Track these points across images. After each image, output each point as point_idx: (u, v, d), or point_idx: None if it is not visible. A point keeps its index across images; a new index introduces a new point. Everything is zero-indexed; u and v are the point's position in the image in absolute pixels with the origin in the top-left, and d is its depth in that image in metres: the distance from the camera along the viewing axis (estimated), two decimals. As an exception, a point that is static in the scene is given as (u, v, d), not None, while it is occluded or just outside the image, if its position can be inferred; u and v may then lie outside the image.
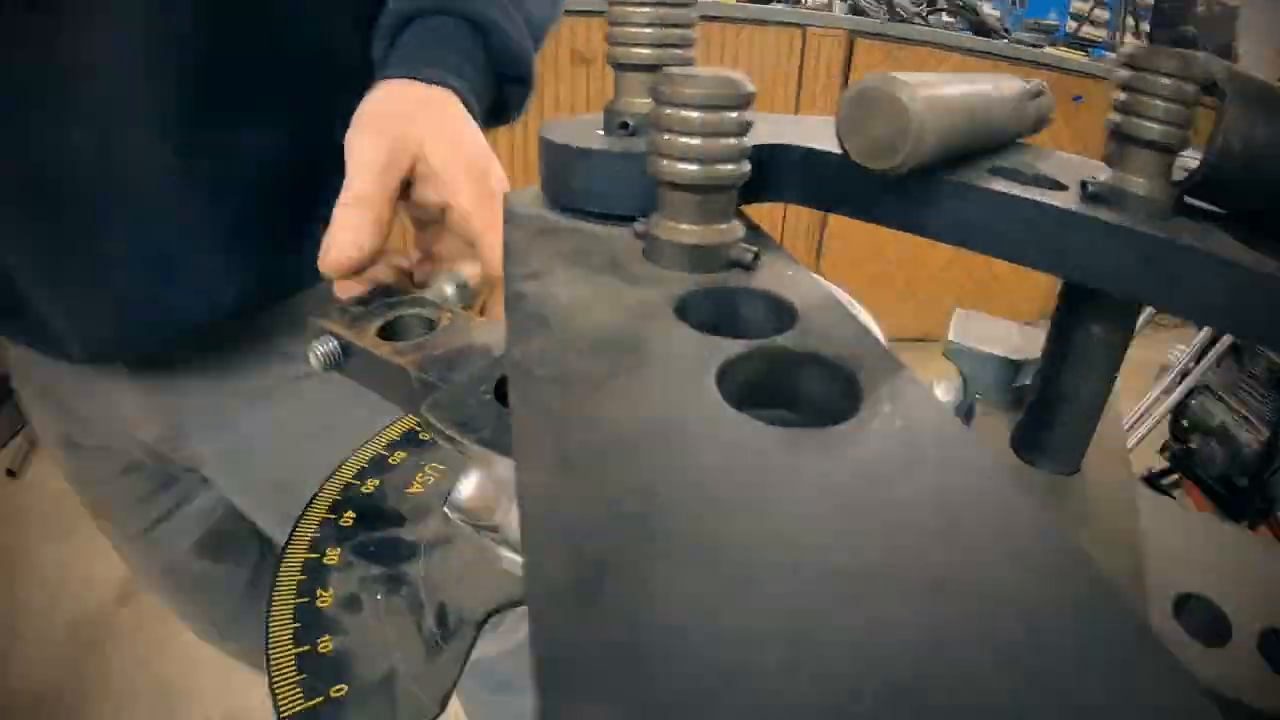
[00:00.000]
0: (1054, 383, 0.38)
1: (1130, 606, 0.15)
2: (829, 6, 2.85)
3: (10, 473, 2.53)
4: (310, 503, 0.51)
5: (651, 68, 0.34)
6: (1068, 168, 0.36)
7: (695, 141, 0.29)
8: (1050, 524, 0.17)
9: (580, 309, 0.27)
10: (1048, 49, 3.04)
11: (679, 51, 0.35)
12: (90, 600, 2.05)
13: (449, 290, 0.53)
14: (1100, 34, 3.43)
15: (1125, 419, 2.10)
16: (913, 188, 0.33)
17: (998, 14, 3.14)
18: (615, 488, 0.18)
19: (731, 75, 0.29)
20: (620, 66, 0.35)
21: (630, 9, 0.34)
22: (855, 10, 2.80)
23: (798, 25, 2.74)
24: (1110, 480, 0.39)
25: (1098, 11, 3.38)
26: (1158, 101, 0.31)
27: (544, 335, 0.25)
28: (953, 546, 0.16)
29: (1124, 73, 0.32)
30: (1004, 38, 2.95)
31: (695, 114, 0.29)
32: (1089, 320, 0.36)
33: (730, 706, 0.13)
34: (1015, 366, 0.43)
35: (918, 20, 2.85)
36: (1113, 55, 3.27)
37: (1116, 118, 0.32)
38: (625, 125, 0.34)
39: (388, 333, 0.46)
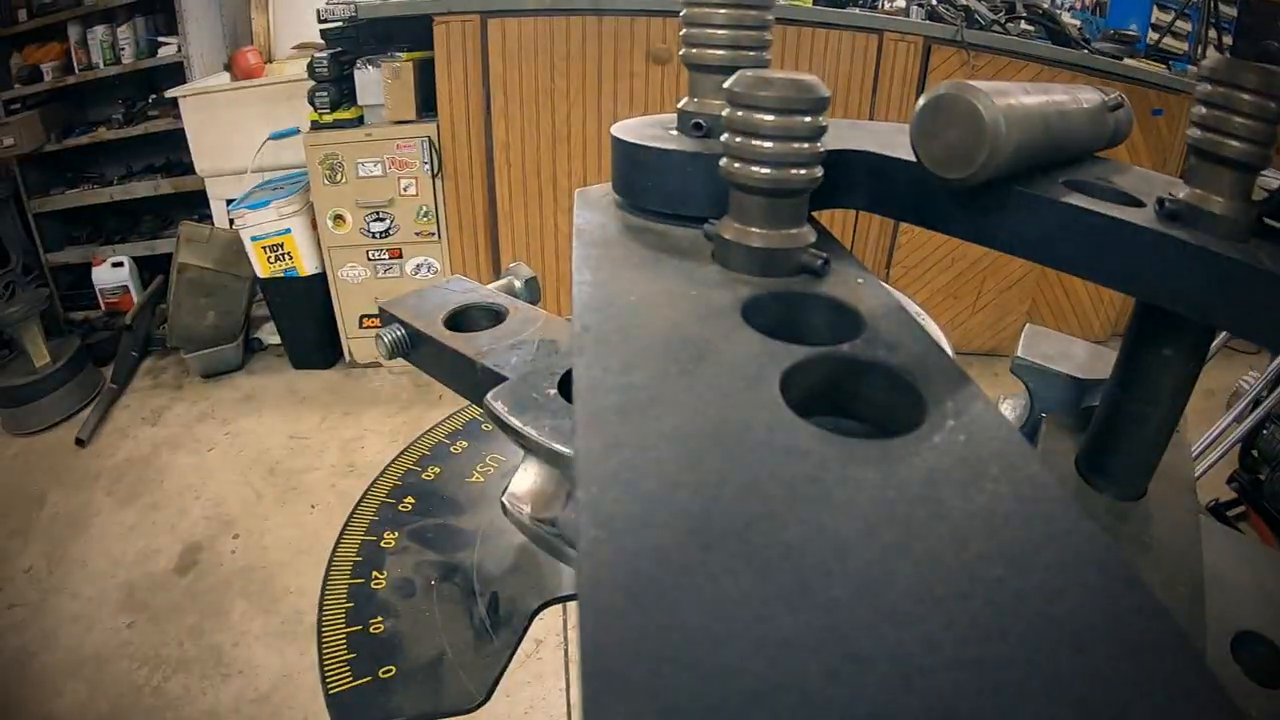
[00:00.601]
0: (1121, 405, 0.37)
1: (1189, 642, 0.15)
2: (906, 12, 2.80)
3: (80, 441, 2.62)
4: (371, 486, 0.52)
5: (726, 69, 0.34)
6: (1146, 183, 0.35)
7: (767, 144, 0.29)
8: (1111, 552, 0.17)
9: (646, 309, 0.27)
10: (1127, 60, 2.96)
11: (754, 53, 0.35)
12: (150, 567, 2.12)
13: (517, 284, 0.53)
14: (1181, 46, 3.32)
15: (1193, 446, 2.04)
16: (984, 199, 0.33)
17: (1078, 24, 3.06)
18: (674, 490, 0.18)
19: (806, 79, 0.29)
20: (694, 67, 0.35)
21: (706, 10, 0.34)
22: (932, 16, 2.76)
23: (874, 30, 2.71)
24: (1175, 508, 0.38)
25: (1179, 23, 3.27)
26: (1239, 118, 0.30)
27: (610, 334, 0.25)
28: (1009, 569, 0.16)
29: (1205, 87, 0.31)
30: (1083, 48, 2.87)
31: (768, 117, 0.28)
32: (1160, 342, 0.35)
33: (772, 713, 0.13)
34: (1083, 386, 0.42)
35: (996, 28, 2.79)
36: (1194, 68, 3.16)
37: (1195, 133, 0.31)
38: (699, 126, 0.34)
39: (456, 323, 0.47)
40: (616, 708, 0.13)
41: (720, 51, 0.34)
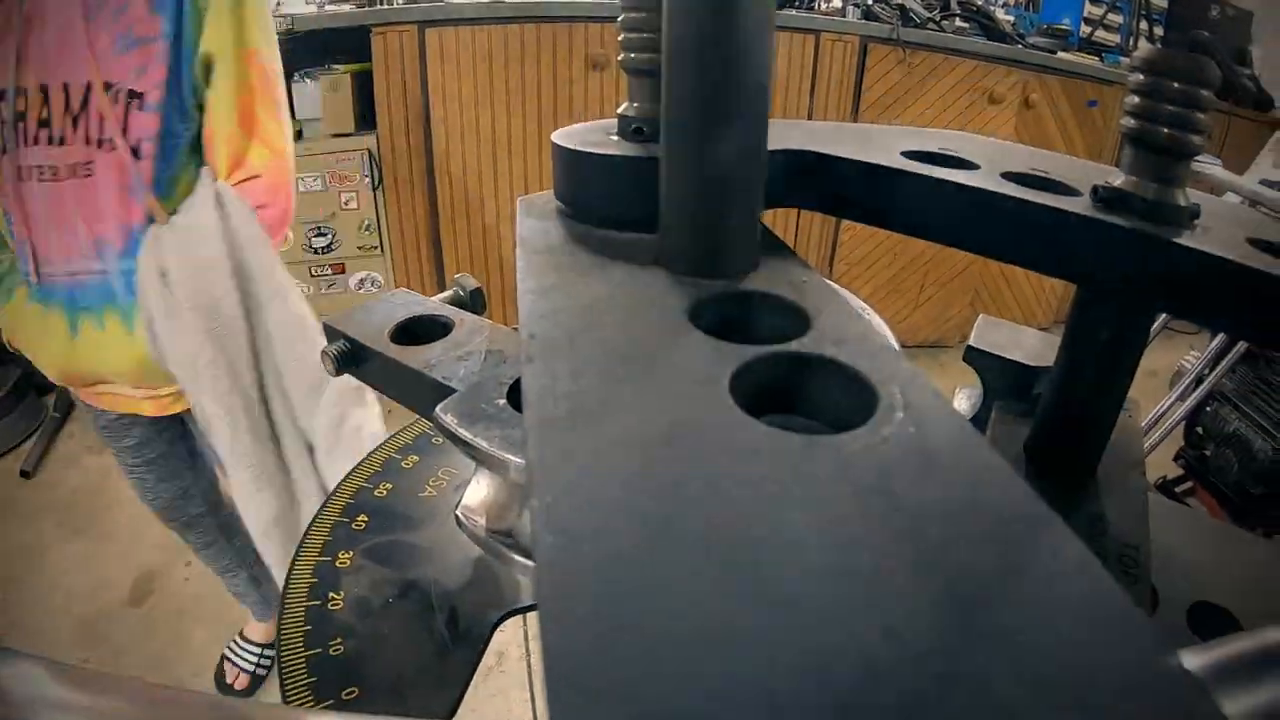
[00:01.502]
0: (1066, 389, 0.37)
1: (1142, 614, 0.15)
2: (842, 12, 2.84)
3: (25, 473, 2.55)
4: (323, 506, 0.51)
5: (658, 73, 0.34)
6: (1079, 171, 0.36)
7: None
8: (1065, 535, 0.17)
9: (593, 315, 0.27)
10: (1061, 54, 3.03)
11: None
12: (103, 600, 2.06)
13: (462, 295, 0.52)
14: (1114, 39, 3.41)
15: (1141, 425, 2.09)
16: (919, 193, 0.34)
17: (1011, 19, 3.13)
18: (630, 494, 0.18)
19: None
20: (633, 71, 0.35)
21: (641, 14, 0.34)
22: (868, 15, 2.80)
23: (812, 31, 2.74)
24: (1124, 487, 0.38)
25: (1111, 16, 3.36)
26: (1169, 106, 0.30)
27: (557, 341, 0.25)
28: (967, 556, 0.16)
29: (1137, 77, 0.31)
30: (1017, 42, 2.93)
31: None
32: (1101, 327, 0.35)
33: (740, 713, 0.13)
34: (1034, 373, 0.42)
35: (931, 26, 2.84)
36: (1126, 60, 3.25)
37: (1129, 122, 0.32)
38: (640, 130, 0.34)
39: (402, 336, 0.46)
40: (584, 715, 0.13)
41: (657, 55, 0.34)
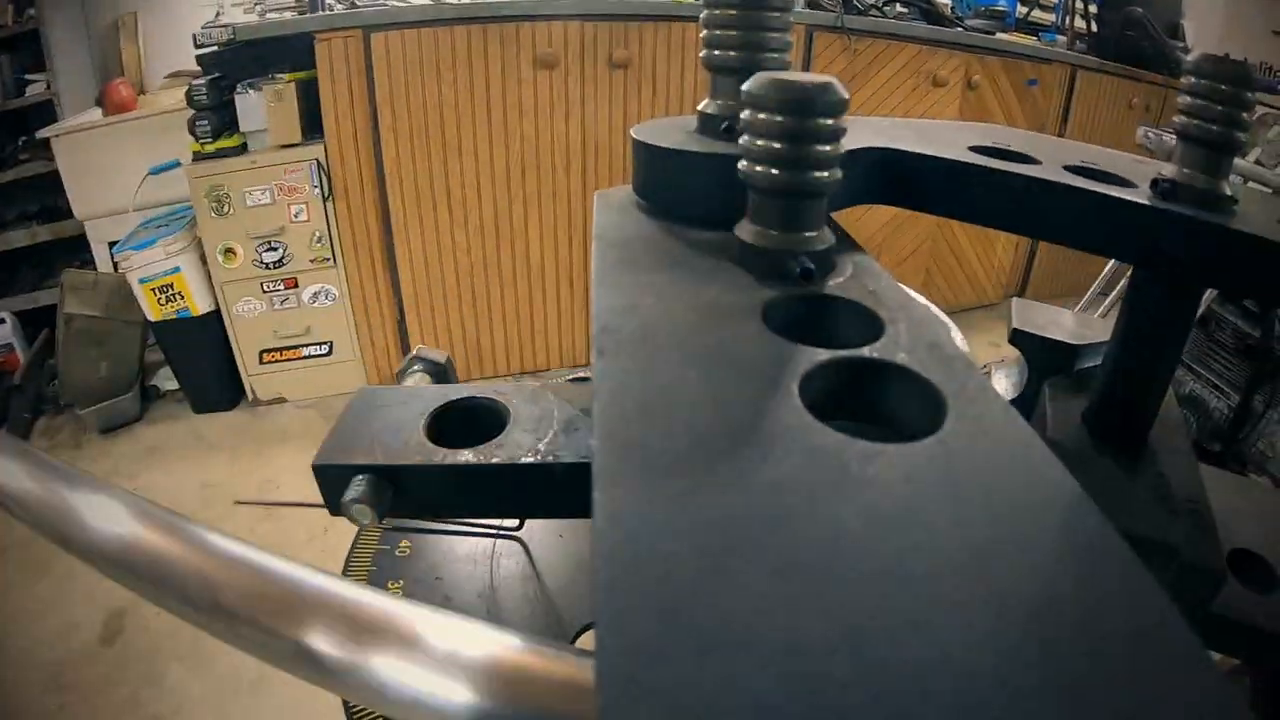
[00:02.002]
0: (1124, 364, 0.39)
1: (1187, 629, 0.15)
2: (785, 2, 2.86)
3: (-24, 513, 2.45)
4: (361, 532, 0.50)
5: (744, 70, 0.33)
6: (1120, 164, 0.38)
7: (779, 146, 0.28)
8: (1129, 558, 0.17)
9: (668, 311, 0.27)
10: (999, 35, 3.09)
11: (772, 55, 0.34)
12: (74, 641, 1.99)
13: (433, 369, 0.43)
14: (1049, 18, 3.49)
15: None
16: (994, 187, 0.35)
17: (949, 3, 3.19)
18: (696, 494, 0.18)
19: (824, 80, 0.28)
20: (716, 69, 0.35)
21: (721, 11, 0.33)
22: (812, 4, 2.82)
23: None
24: (1173, 450, 0.40)
25: (1046, -4, 3.45)
26: (1219, 106, 0.33)
27: (631, 336, 0.25)
28: (1030, 576, 0.16)
29: (1189, 80, 0.33)
30: (957, 25, 2.99)
31: (781, 118, 0.28)
32: (1156, 304, 0.37)
33: (795, 715, 0.13)
34: (1077, 350, 0.44)
35: (874, 12, 2.88)
36: (1063, 38, 3.33)
37: (1182, 120, 0.34)
38: (730, 129, 0.34)
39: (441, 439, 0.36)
40: (637, 713, 0.13)
41: (735, 53, 0.34)
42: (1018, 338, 0.44)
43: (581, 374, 0.38)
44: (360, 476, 0.33)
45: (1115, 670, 0.14)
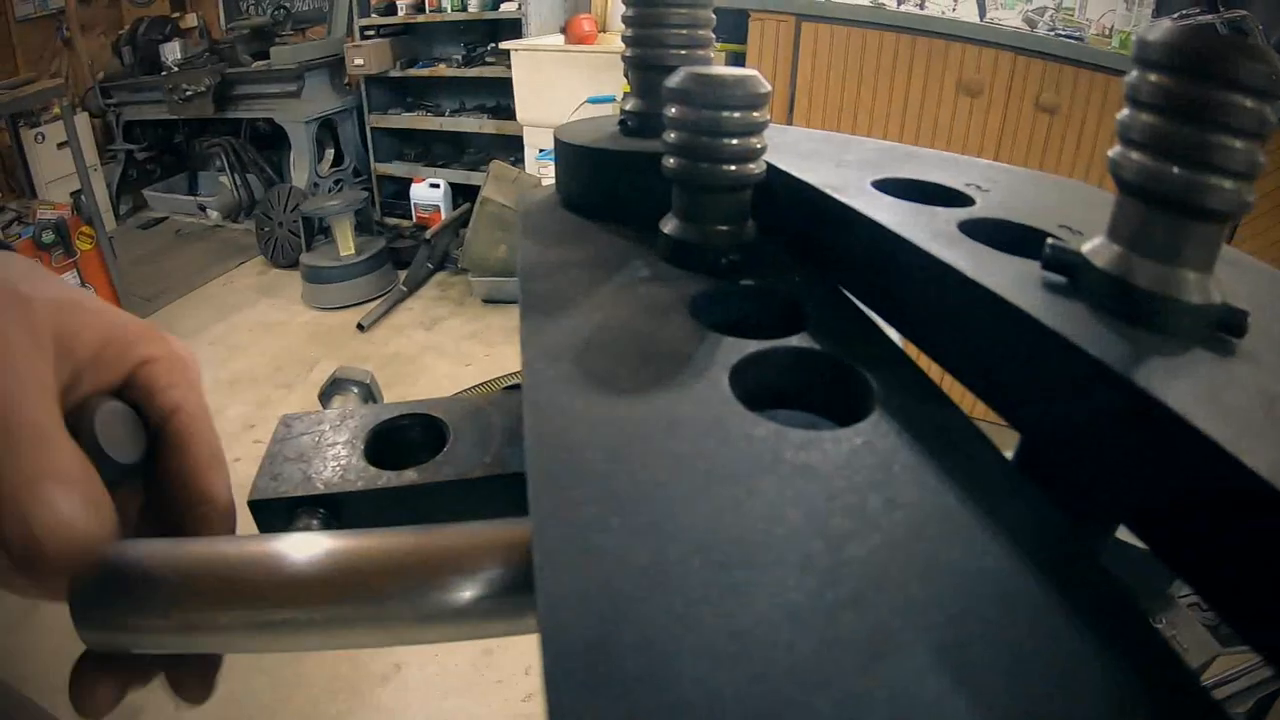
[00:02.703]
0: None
1: (1125, 592, 0.15)
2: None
3: (360, 327, 3.05)
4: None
5: (664, 68, 0.33)
6: None
7: (699, 140, 0.28)
8: (1056, 522, 0.17)
9: (594, 308, 0.27)
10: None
11: (691, 52, 0.34)
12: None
13: (355, 390, 0.39)
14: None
15: None
16: None
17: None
18: (626, 485, 0.18)
19: (744, 74, 0.28)
20: (632, 66, 0.35)
21: (643, 10, 0.33)
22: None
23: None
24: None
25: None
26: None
27: (558, 335, 0.25)
28: (964, 552, 0.16)
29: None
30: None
31: (700, 112, 0.28)
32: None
33: (739, 707, 0.13)
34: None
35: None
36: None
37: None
38: (623, 124, 0.34)
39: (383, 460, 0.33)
40: (583, 705, 0.13)
41: (660, 50, 0.34)
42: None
43: (515, 383, 0.37)
44: (300, 509, 0.31)
45: (1058, 640, 0.15)
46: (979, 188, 0.31)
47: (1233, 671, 1.01)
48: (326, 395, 0.38)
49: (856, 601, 0.15)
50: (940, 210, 0.28)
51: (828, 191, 0.30)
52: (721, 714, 0.13)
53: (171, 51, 3.90)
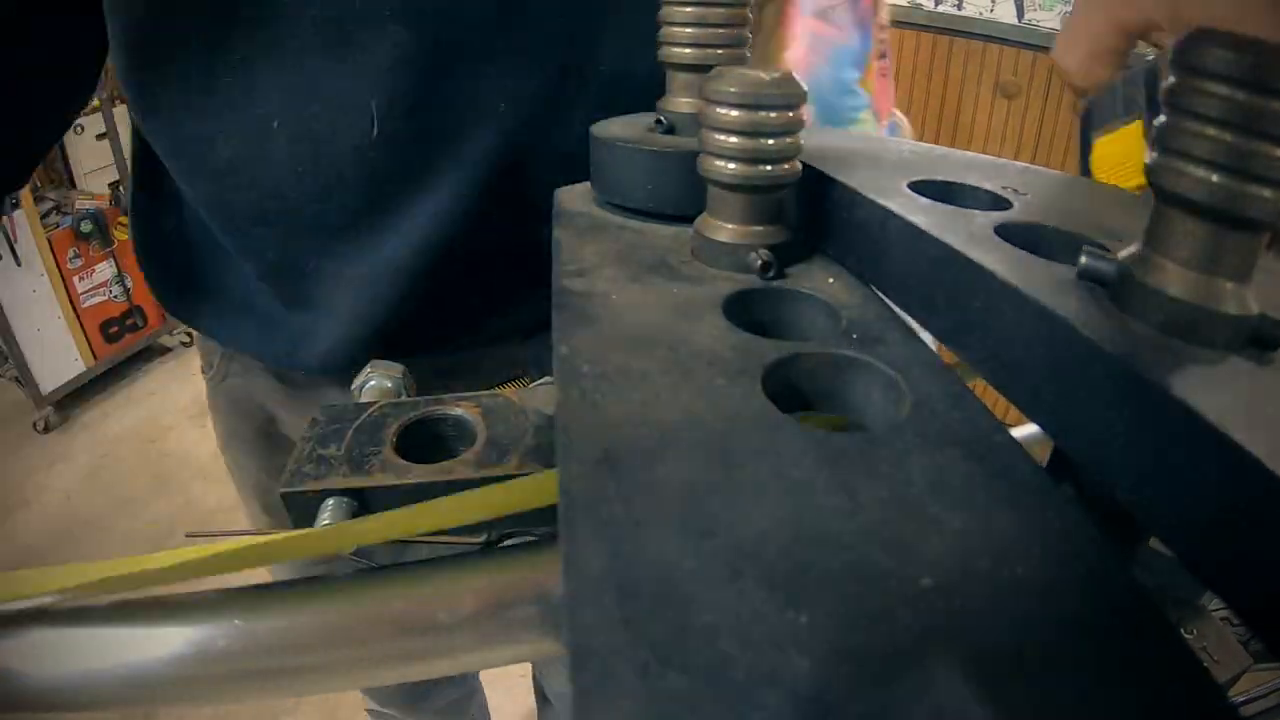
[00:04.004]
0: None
1: (1154, 605, 0.15)
2: None
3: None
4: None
5: (701, 67, 0.33)
6: None
7: (735, 140, 0.28)
8: (1098, 540, 0.17)
9: (627, 306, 0.27)
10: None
11: (729, 51, 0.34)
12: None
13: (390, 385, 0.40)
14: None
15: None
16: None
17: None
18: (657, 485, 0.18)
19: (779, 75, 0.28)
20: (670, 66, 0.35)
21: (677, 8, 0.33)
22: None
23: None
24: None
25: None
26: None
27: (591, 332, 0.25)
28: (996, 562, 0.16)
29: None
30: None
31: (738, 113, 0.28)
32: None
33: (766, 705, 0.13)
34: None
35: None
36: None
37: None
38: (659, 122, 0.34)
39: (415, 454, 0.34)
40: (612, 695, 0.13)
41: (691, 50, 0.34)
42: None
43: (546, 380, 0.38)
44: (329, 501, 0.32)
45: (1089, 655, 0.14)
46: (1016, 191, 0.31)
47: (1260, 689, 1.00)
48: (360, 387, 0.39)
49: (886, 614, 0.15)
50: (977, 214, 0.28)
51: (864, 193, 0.30)
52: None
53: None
